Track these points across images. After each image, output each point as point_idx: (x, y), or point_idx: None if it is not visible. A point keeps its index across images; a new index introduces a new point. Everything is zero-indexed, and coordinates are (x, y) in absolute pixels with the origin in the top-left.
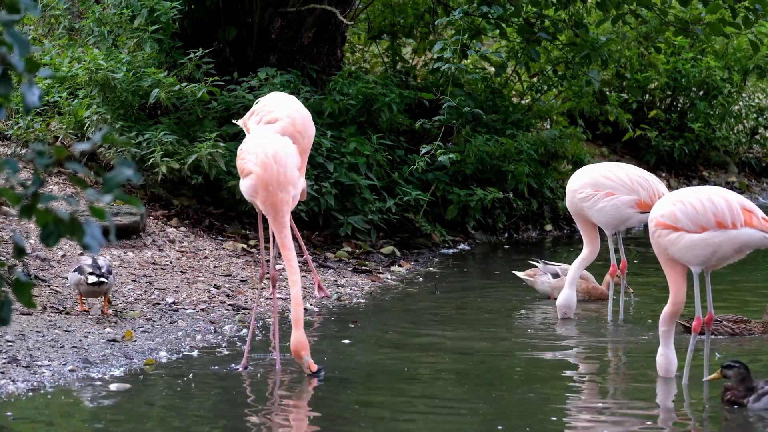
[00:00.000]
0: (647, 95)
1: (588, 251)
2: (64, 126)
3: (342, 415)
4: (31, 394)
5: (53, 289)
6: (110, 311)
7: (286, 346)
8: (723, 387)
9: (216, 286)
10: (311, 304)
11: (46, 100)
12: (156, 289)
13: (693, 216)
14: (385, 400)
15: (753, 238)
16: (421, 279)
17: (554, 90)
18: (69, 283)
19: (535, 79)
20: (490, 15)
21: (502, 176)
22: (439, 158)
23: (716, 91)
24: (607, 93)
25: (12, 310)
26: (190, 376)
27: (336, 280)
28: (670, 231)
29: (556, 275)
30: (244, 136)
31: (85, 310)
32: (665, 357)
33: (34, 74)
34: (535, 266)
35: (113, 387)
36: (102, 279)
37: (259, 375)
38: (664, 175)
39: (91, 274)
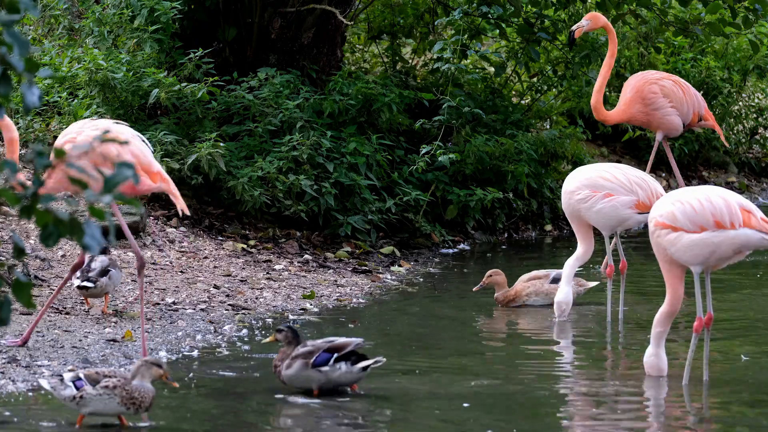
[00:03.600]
0: None
1: (583, 250)
2: (64, 126)
3: (341, 415)
4: (30, 394)
5: (53, 289)
6: (110, 311)
7: None
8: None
9: (216, 286)
10: (311, 304)
11: (45, 100)
12: (156, 289)
13: (692, 216)
14: (385, 401)
15: (751, 239)
16: (420, 279)
17: (554, 90)
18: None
19: (534, 79)
20: (489, 15)
21: (502, 176)
22: (439, 158)
23: (716, 91)
24: (607, 93)
25: (12, 310)
26: (190, 376)
27: (336, 280)
28: (669, 231)
29: None
30: (244, 135)
31: (89, 308)
32: (657, 356)
33: (34, 74)
34: None
35: None
36: (86, 284)
37: (258, 375)
38: (663, 175)
39: (77, 278)
